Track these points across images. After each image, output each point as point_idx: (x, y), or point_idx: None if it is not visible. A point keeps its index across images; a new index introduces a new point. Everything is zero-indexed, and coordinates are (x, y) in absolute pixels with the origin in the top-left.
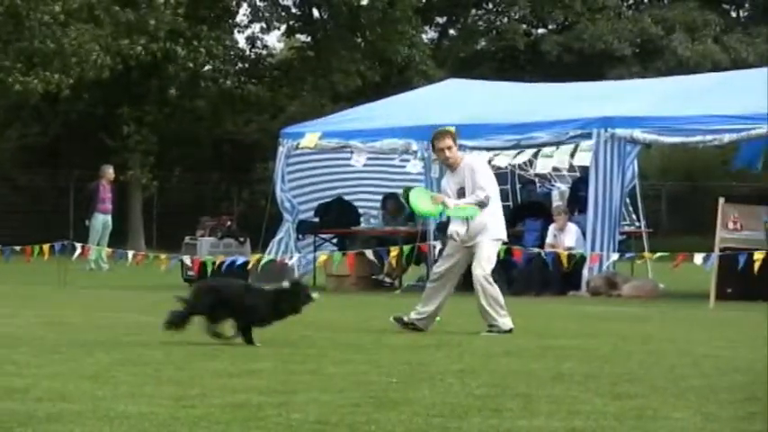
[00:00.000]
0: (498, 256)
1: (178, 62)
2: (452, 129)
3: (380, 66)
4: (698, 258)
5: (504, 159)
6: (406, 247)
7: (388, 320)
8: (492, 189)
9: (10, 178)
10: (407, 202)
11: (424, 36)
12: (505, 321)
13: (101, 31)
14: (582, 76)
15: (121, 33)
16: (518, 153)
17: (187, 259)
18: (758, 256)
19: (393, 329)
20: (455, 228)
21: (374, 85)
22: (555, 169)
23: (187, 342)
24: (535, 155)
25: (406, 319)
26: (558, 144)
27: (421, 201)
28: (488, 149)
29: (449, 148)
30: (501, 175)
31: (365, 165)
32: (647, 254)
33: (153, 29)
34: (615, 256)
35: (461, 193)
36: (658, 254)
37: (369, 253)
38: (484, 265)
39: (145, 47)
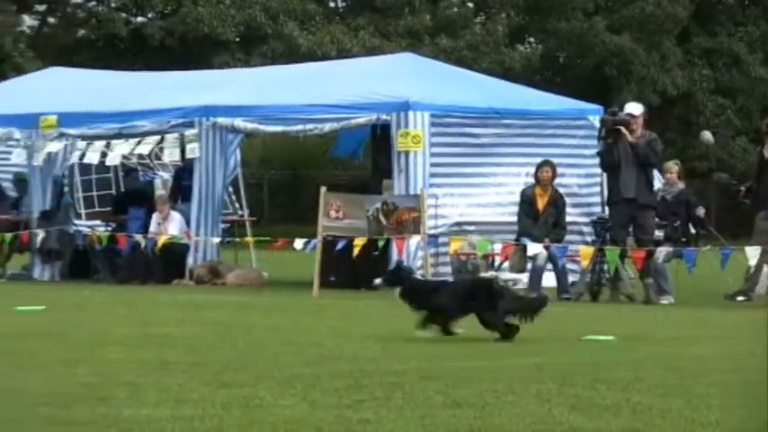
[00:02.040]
0: (100, 242)
1: None
2: None
3: None
4: (298, 243)
5: (115, 157)
6: (8, 235)
7: None
8: None
9: None
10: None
11: (24, 24)
12: None
13: None
14: (186, 63)
15: None
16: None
17: None
18: (358, 242)
19: None
20: None
21: None
22: (157, 157)
23: None
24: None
25: None
26: (160, 133)
27: None
28: (92, 138)
29: None
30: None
31: None
32: (248, 238)
33: None
34: (216, 240)
35: None
36: (259, 238)
37: None
38: None
39: None
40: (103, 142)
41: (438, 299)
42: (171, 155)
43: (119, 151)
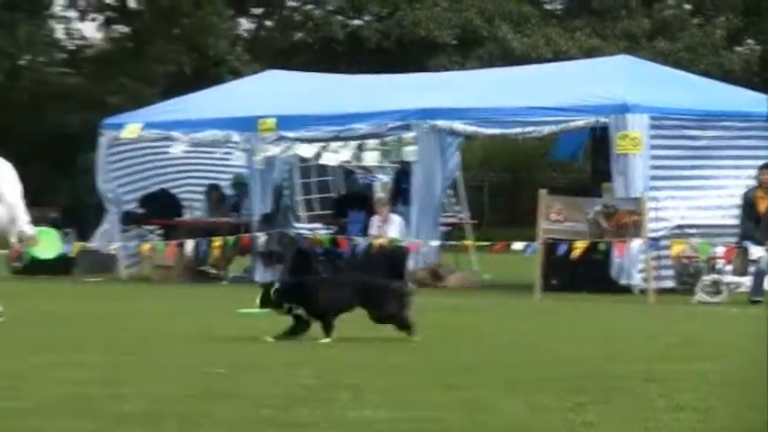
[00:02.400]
0: (321, 245)
1: None
2: None
3: (196, 58)
4: (518, 246)
5: (332, 157)
6: (230, 238)
7: (213, 311)
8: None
9: None
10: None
11: (241, 27)
12: None
13: None
14: (402, 66)
15: None
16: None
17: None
18: (579, 245)
19: (219, 320)
20: None
21: (192, 77)
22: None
23: (18, 335)
24: (359, 148)
25: None
26: (378, 136)
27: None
28: (309, 141)
29: None
30: (324, 167)
31: (188, 156)
32: (468, 242)
33: None
34: (436, 243)
35: None
36: (479, 243)
37: (188, 244)
38: None
39: None
40: (321, 144)
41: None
42: (372, 159)
43: (341, 156)
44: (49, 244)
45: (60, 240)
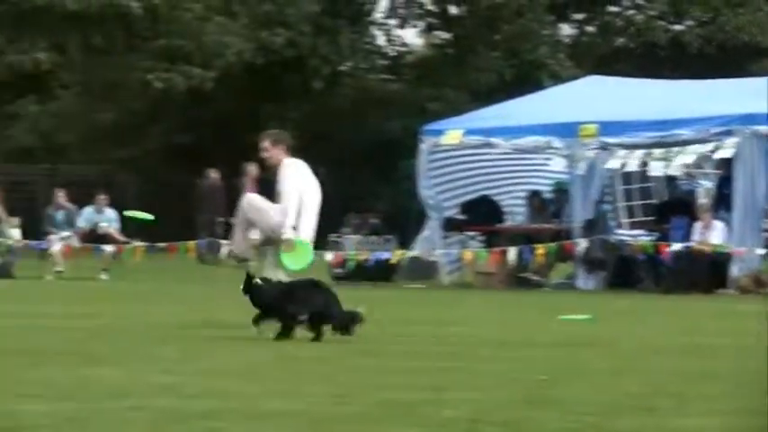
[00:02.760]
0: (644, 251)
1: (320, 55)
2: (275, 131)
3: (516, 64)
4: None
5: (657, 167)
6: (552, 245)
7: (535, 317)
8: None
9: (155, 176)
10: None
11: (562, 33)
12: None
13: (237, 25)
14: (724, 70)
15: (259, 25)
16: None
17: (329, 256)
18: None
19: (541, 327)
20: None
21: (510, 83)
22: (699, 166)
23: (338, 340)
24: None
25: None
26: (700, 141)
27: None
28: (631, 147)
29: (264, 149)
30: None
31: (509, 162)
32: None
33: (292, 19)
34: (762, 251)
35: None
36: None
37: (511, 251)
38: None
39: (289, 40)
40: (643, 151)
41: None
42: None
43: (677, 161)
44: (300, 255)
45: (312, 254)
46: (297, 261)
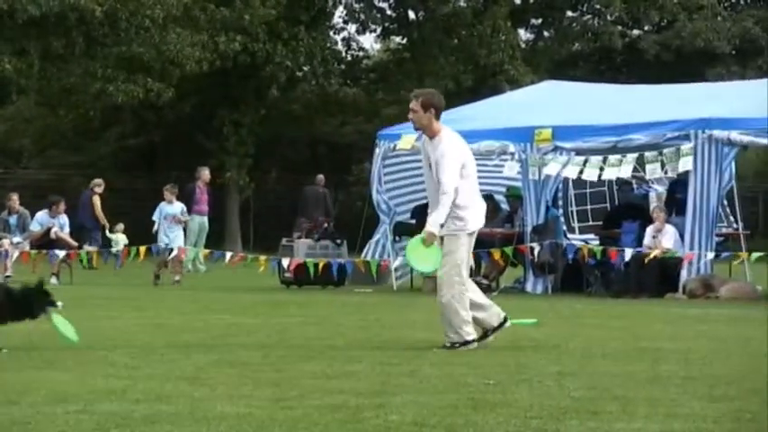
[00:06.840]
0: (594, 256)
1: (275, 62)
2: (425, 91)
3: (473, 70)
4: None
5: (592, 173)
6: (508, 249)
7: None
8: (452, 181)
9: (108, 181)
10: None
11: (519, 38)
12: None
13: (199, 35)
14: (680, 75)
15: (217, 31)
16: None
17: (285, 261)
18: None
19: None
20: None
21: (468, 89)
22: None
23: (285, 344)
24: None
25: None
26: (656, 147)
27: (418, 257)
28: (586, 152)
29: (412, 110)
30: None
31: None
32: (743, 253)
33: (248, 24)
34: (711, 255)
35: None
36: (756, 254)
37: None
38: None
39: (245, 45)
40: (600, 158)
41: None
42: (653, 172)
43: (621, 171)
44: (429, 258)
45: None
46: (425, 263)
